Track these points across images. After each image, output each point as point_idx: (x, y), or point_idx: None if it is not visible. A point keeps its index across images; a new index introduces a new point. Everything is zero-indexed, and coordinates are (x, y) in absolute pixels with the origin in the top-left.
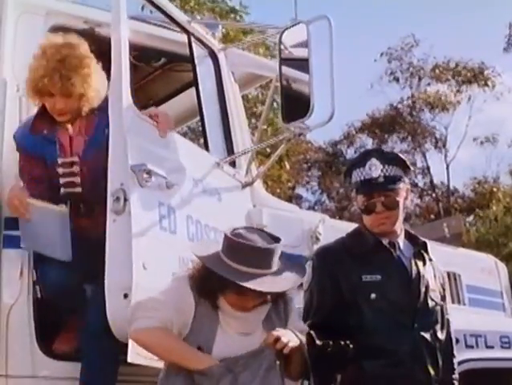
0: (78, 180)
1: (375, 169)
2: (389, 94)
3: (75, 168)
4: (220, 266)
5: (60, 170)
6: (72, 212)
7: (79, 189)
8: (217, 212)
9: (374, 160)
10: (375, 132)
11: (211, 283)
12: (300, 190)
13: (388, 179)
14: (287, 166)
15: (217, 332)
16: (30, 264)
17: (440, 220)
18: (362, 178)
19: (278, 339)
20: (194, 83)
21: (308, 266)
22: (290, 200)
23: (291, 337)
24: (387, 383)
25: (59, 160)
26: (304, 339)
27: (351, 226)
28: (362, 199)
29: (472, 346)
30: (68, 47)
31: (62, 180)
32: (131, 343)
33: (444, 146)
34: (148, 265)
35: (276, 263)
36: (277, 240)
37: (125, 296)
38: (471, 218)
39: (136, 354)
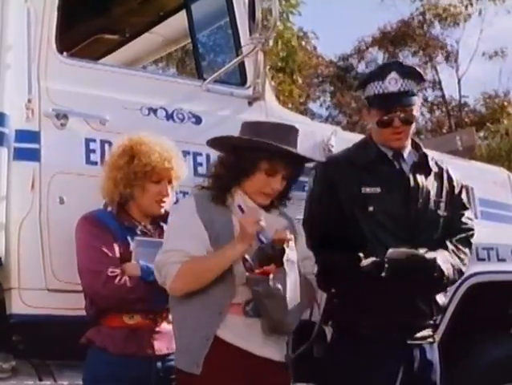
0: None
1: (394, 83)
2: (400, 7)
3: None
4: (252, 141)
5: None
6: None
7: None
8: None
9: (394, 74)
10: (386, 46)
11: (238, 168)
12: (311, 105)
13: (406, 93)
14: (299, 81)
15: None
16: (41, 176)
17: (453, 133)
18: (379, 91)
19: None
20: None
21: (311, 176)
22: (301, 114)
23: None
24: (384, 296)
25: None
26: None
27: None
28: (378, 112)
29: (483, 259)
30: None
31: None
32: None
33: (455, 60)
34: None
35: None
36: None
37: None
38: (482, 133)
39: None
